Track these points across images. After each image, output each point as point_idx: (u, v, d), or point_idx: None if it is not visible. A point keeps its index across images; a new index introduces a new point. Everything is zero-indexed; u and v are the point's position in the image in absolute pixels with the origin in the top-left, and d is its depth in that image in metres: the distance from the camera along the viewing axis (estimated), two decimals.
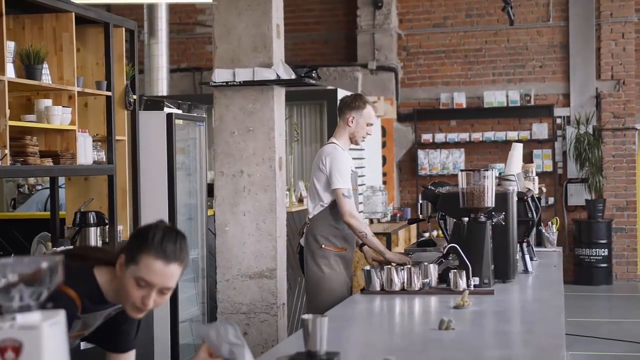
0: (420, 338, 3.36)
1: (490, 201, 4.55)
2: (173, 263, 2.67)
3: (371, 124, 5.55)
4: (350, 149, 5.61)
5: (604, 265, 12.75)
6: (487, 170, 4.58)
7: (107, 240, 5.79)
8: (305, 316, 2.80)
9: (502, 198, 4.71)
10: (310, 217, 5.48)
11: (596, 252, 12.71)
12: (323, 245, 5.39)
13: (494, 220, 4.62)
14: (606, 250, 12.73)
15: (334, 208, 5.36)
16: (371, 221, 10.59)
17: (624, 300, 11.87)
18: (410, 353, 3.06)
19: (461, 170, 4.63)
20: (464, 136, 13.29)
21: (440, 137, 13.38)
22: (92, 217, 5.61)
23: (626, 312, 10.96)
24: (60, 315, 1.84)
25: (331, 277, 5.32)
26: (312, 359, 2.76)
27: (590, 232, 12.75)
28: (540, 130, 13.12)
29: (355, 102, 5.51)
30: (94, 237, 5.61)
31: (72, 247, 5.06)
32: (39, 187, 9.27)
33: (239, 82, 6.07)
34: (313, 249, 5.43)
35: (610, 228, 12.87)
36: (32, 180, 9.18)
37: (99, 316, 2.84)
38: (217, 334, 2.66)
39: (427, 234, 12.69)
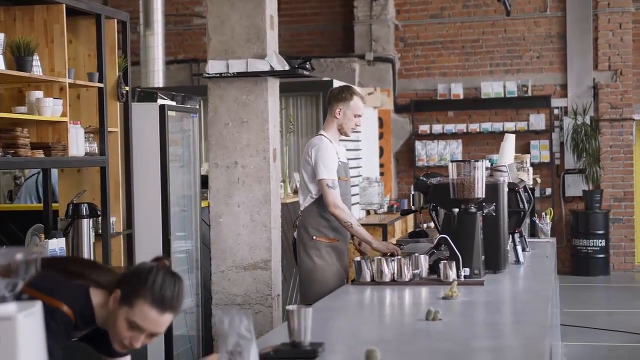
0: (407, 329, 3.37)
1: (480, 192, 4.55)
2: (168, 312, 2.68)
3: (359, 115, 5.56)
4: (347, 140, 5.65)
5: (601, 256, 12.76)
6: (478, 161, 4.58)
7: (99, 232, 5.79)
8: (290, 307, 2.81)
9: (492, 189, 4.71)
10: (301, 209, 5.52)
11: (593, 242, 12.72)
12: (314, 237, 5.42)
13: (485, 211, 4.63)
14: (603, 241, 12.74)
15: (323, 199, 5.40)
16: (368, 212, 10.59)
17: (621, 291, 11.88)
18: (396, 343, 3.07)
19: (451, 161, 4.63)
20: (462, 127, 13.28)
21: (437, 128, 13.37)
22: (84, 209, 5.61)
23: (623, 302, 10.97)
24: (36, 307, 1.84)
25: (323, 268, 5.34)
26: (297, 349, 2.77)
27: (588, 222, 12.75)
28: (538, 121, 13.11)
29: (342, 93, 5.54)
30: (87, 228, 5.61)
31: (68, 257, 4.95)
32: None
33: (233, 73, 6.06)
34: (305, 240, 5.46)
35: (608, 219, 12.87)
36: (27, 172, 9.18)
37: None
38: (230, 322, 2.67)
39: (424, 225, 12.71)
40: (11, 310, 1.80)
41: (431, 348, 3.03)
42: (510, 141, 5.77)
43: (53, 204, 6.01)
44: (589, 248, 12.73)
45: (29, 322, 1.80)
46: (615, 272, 13.00)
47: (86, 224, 5.61)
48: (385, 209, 10.94)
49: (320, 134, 5.57)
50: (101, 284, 2.76)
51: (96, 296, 2.74)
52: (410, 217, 11.95)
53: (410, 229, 11.50)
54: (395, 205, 11.45)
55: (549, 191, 13.02)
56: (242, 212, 6.10)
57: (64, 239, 5.43)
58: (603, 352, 8.22)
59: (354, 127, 5.55)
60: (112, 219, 5.92)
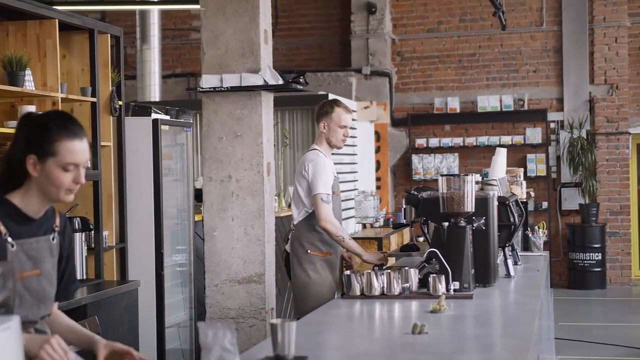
0: (393, 342, 3.38)
1: (470, 206, 4.56)
2: (83, 137, 2.83)
3: (344, 126, 5.61)
4: (343, 154, 5.71)
5: (598, 269, 12.76)
6: (467, 175, 4.59)
7: (92, 246, 5.80)
8: (273, 321, 2.83)
9: (482, 203, 4.72)
10: (295, 222, 5.56)
11: (590, 256, 12.71)
12: (309, 251, 5.45)
13: (474, 225, 4.63)
14: (600, 254, 12.74)
15: None
16: (364, 226, 10.60)
17: (617, 305, 11.87)
18: (380, 357, 3.08)
19: (441, 175, 4.65)
20: (458, 141, 13.31)
21: (434, 141, 13.40)
22: (77, 223, 5.62)
23: (620, 316, 10.97)
24: (14, 321, 1.86)
25: (318, 282, 5.36)
26: None
27: (584, 236, 12.76)
28: (534, 134, 13.13)
29: (323, 108, 5.66)
30: (79, 242, 5.62)
31: None
32: None
33: (227, 87, 6.09)
34: (299, 254, 5.48)
35: (604, 232, 12.88)
36: None
37: (36, 244, 2.84)
38: (214, 335, 2.68)
39: (421, 239, 12.70)
40: None
41: None
42: (501, 155, 5.79)
43: None
44: (585, 261, 12.73)
45: (5, 336, 1.82)
46: (612, 285, 13.00)
47: (78, 238, 5.62)
48: (382, 223, 10.95)
49: (315, 149, 5.62)
50: (10, 188, 2.82)
51: (13, 197, 2.81)
52: (407, 230, 11.96)
53: (406, 242, 11.50)
54: (391, 219, 11.45)
55: (545, 205, 13.03)
56: (236, 225, 6.12)
57: None
58: None
59: (342, 138, 5.61)
60: (105, 233, 5.94)
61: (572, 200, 13.06)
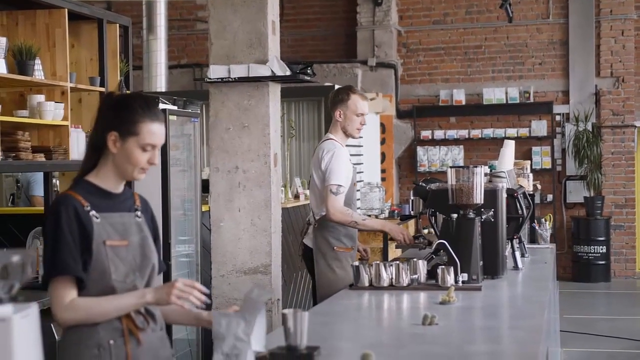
0: (403, 333, 3.38)
1: (479, 198, 4.56)
2: (162, 121, 2.97)
3: (360, 114, 5.48)
4: (348, 145, 5.61)
5: (602, 262, 12.76)
6: (476, 167, 4.59)
7: None
8: (286, 311, 2.83)
9: (491, 195, 4.71)
10: (316, 217, 5.40)
11: (594, 249, 12.72)
12: (335, 247, 5.35)
13: (483, 216, 4.63)
14: (604, 247, 12.74)
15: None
16: (369, 217, 10.60)
17: (621, 298, 11.88)
18: (391, 348, 3.09)
19: (450, 167, 4.64)
20: (463, 133, 13.31)
21: (439, 134, 13.39)
22: None
23: (624, 309, 10.98)
24: (32, 308, 1.86)
25: (344, 279, 5.21)
26: (292, 353, 2.78)
27: (589, 229, 12.76)
28: (540, 127, 13.13)
29: (339, 95, 5.51)
30: None
31: None
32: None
33: (234, 78, 6.09)
34: (324, 250, 5.37)
35: (609, 225, 12.88)
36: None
37: (121, 218, 2.98)
38: (227, 324, 2.69)
39: (425, 231, 12.70)
40: (7, 311, 1.82)
41: (426, 352, 3.04)
42: (509, 147, 5.78)
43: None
44: (590, 254, 12.73)
45: (24, 323, 1.82)
46: (616, 278, 13.01)
47: None
48: (387, 214, 10.95)
49: (331, 139, 5.49)
50: (87, 169, 2.99)
51: (91, 177, 2.96)
52: (412, 222, 11.96)
53: (412, 234, 11.50)
54: (396, 211, 11.45)
55: (550, 197, 13.03)
56: (243, 216, 6.12)
57: None
58: (603, 358, 8.22)
59: (358, 127, 5.48)
60: None
61: (577, 193, 13.06)
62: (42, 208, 6.24)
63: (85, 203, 2.90)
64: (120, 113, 2.93)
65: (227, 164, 6.08)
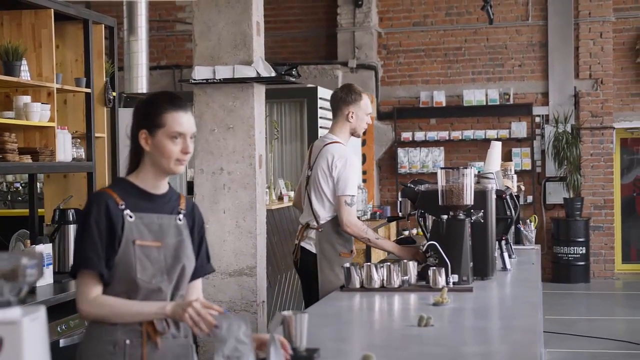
0: (399, 334, 3.38)
1: (469, 199, 4.57)
2: (188, 111, 3.02)
3: (369, 113, 5.35)
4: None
5: (582, 263, 12.84)
6: (466, 168, 4.60)
7: None
8: (286, 313, 2.82)
9: (481, 196, 4.72)
10: (321, 221, 5.20)
11: (574, 250, 12.79)
12: (341, 253, 5.19)
13: (473, 218, 4.64)
14: (584, 248, 12.82)
15: None
16: None
17: (601, 298, 11.95)
18: (389, 349, 3.08)
19: (441, 168, 4.64)
20: (444, 134, 13.34)
21: (420, 135, 13.42)
22: (71, 215, 5.58)
23: (603, 309, 11.05)
24: (41, 311, 1.84)
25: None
26: (293, 354, 2.78)
27: (568, 230, 12.83)
28: (519, 128, 13.19)
29: (351, 95, 5.28)
30: (73, 234, 5.58)
31: None
32: (17, 185, 9.23)
33: (219, 79, 6.07)
34: (329, 256, 5.19)
35: (588, 226, 12.96)
36: (10, 177, 9.13)
37: (158, 220, 3.00)
38: (228, 327, 2.67)
39: (406, 232, 12.72)
40: (16, 314, 1.79)
41: (424, 353, 3.04)
42: (496, 148, 5.80)
43: (39, 210, 5.97)
44: (569, 255, 12.80)
45: (34, 326, 1.80)
46: (595, 279, 13.09)
47: (73, 230, 5.58)
48: (369, 216, 10.97)
49: (338, 142, 5.27)
50: (129, 170, 3.05)
51: (131, 177, 3.02)
52: (393, 224, 11.98)
53: (394, 235, 11.54)
54: (378, 212, 11.47)
55: (530, 199, 13.09)
56: (228, 218, 6.11)
57: (51, 244, 5.40)
58: (586, 358, 8.27)
59: (365, 126, 5.34)
60: None
61: (556, 194, 13.13)
62: (27, 211, 6.18)
63: (120, 201, 2.94)
64: (146, 111, 3.01)
65: (211, 166, 6.07)
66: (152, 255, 2.96)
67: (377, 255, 9.43)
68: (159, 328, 2.93)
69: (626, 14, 13.24)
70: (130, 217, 2.94)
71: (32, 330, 1.79)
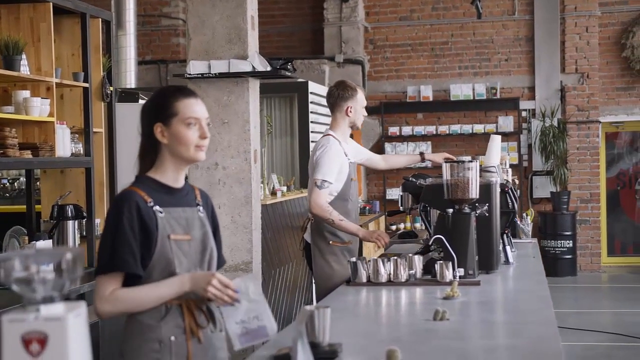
0: (417, 328, 3.36)
1: (474, 192, 4.56)
2: (197, 97, 3.03)
3: (365, 105, 5.64)
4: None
5: (569, 256, 12.89)
6: (472, 161, 4.59)
7: (84, 234, 5.71)
8: (309, 307, 2.79)
9: (485, 189, 4.72)
10: (313, 212, 5.33)
11: (561, 243, 12.84)
12: (331, 242, 5.34)
13: (478, 211, 4.63)
14: (571, 241, 12.87)
15: (338, 202, 5.31)
16: None
17: (588, 292, 12.01)
18: (410, 343, 3.06)
19: (445, 162, 4.63)
20: (431, 129, 13.34)
21: (407, 130, 13.42)
22: (69, 210, 5.53)
23: (591, 302, 11.11)
24: (83, 307, 1.81)
25: (341, 273, 5.17)
26: (316, 349, 2.75)
27: (555, 223, 12.88)
28: (506, 123, 13.21)
29: (348, 91, 5.51)
30: (72, 230, 5.54)
31: None
32: (5, 181, 9.14)
33: (215, 74, 6.03)
34: (320, 245, 5.36)
35: (575, 220, 13.01)
36: (13, 172, 9.03)
37: (184, 213, 2.99)
38: (237, 289, 2.67)
39: (393, 227, 12.73)
40: (61, 310, 1.77)
41: (446, 347, 3.03)
42: (496, 142, 5.80)
43: (36, 206, 5.92)
44: (556, 249, 12.85)
45: (77, 322, 1.78)
46: (582, 272, 13.15)
47: (71, 226, 5.54)
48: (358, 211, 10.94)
49: (329, 134, 5.48)
50: (147, 169, 3.02)
51: (152, 173, 3.00)
52: (382, 218, 11.98)
53: (383, 230, 11.51)
54: (367, 207, 11.47)
55: (517, 192, 13.11)
56: (223, 213, 6.08)
57: (51, 241, 5.36)
58: (578, 351, 8.30)
59: (362, 118, 5.62)
60: (97, 221, 5.86)
61: (543, 188, 13.18)
62: (17, 207, 6.13)
63: (148, 199, 2.92)
64: (157, 105, 3.00)
65: (206, 161, 6.04)
66: (184, 248, 2.95)
67: (367, 249, 9.43)
68: (200, 322, 2.92)
69: (612, 9, 13.29)
70: (161, 212, 2.93)
71: (76, 326, 1.77)
